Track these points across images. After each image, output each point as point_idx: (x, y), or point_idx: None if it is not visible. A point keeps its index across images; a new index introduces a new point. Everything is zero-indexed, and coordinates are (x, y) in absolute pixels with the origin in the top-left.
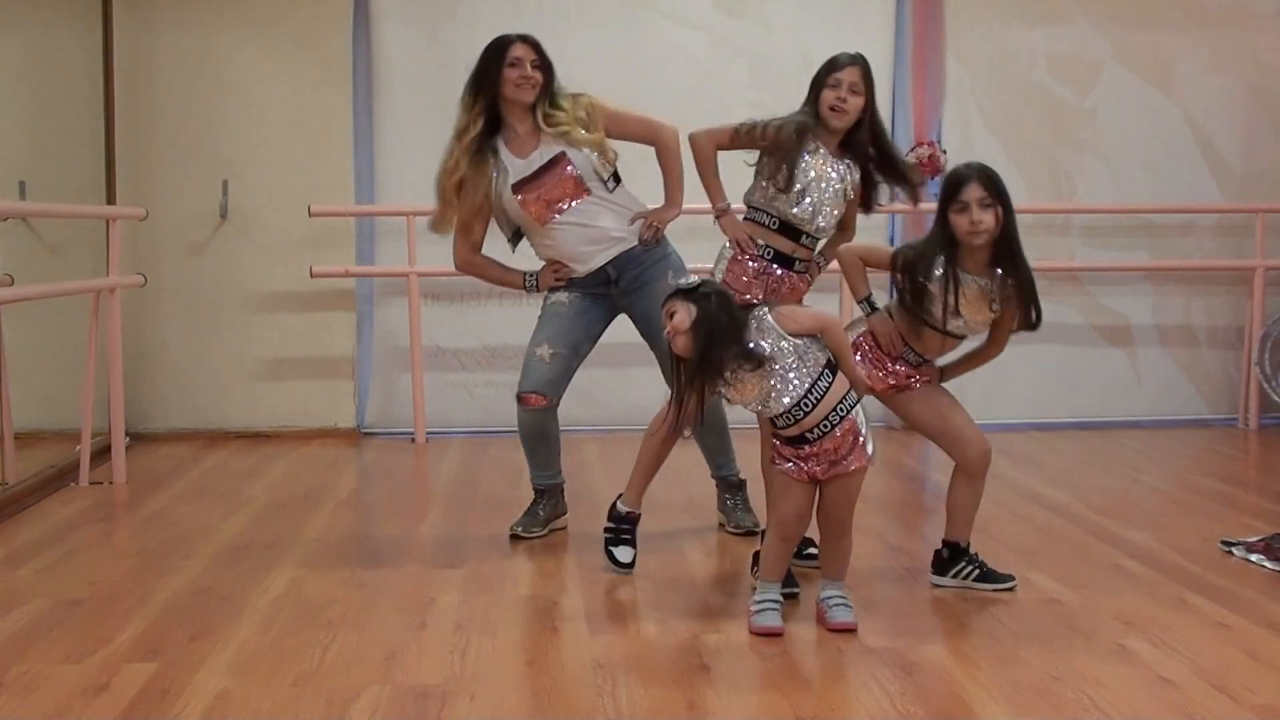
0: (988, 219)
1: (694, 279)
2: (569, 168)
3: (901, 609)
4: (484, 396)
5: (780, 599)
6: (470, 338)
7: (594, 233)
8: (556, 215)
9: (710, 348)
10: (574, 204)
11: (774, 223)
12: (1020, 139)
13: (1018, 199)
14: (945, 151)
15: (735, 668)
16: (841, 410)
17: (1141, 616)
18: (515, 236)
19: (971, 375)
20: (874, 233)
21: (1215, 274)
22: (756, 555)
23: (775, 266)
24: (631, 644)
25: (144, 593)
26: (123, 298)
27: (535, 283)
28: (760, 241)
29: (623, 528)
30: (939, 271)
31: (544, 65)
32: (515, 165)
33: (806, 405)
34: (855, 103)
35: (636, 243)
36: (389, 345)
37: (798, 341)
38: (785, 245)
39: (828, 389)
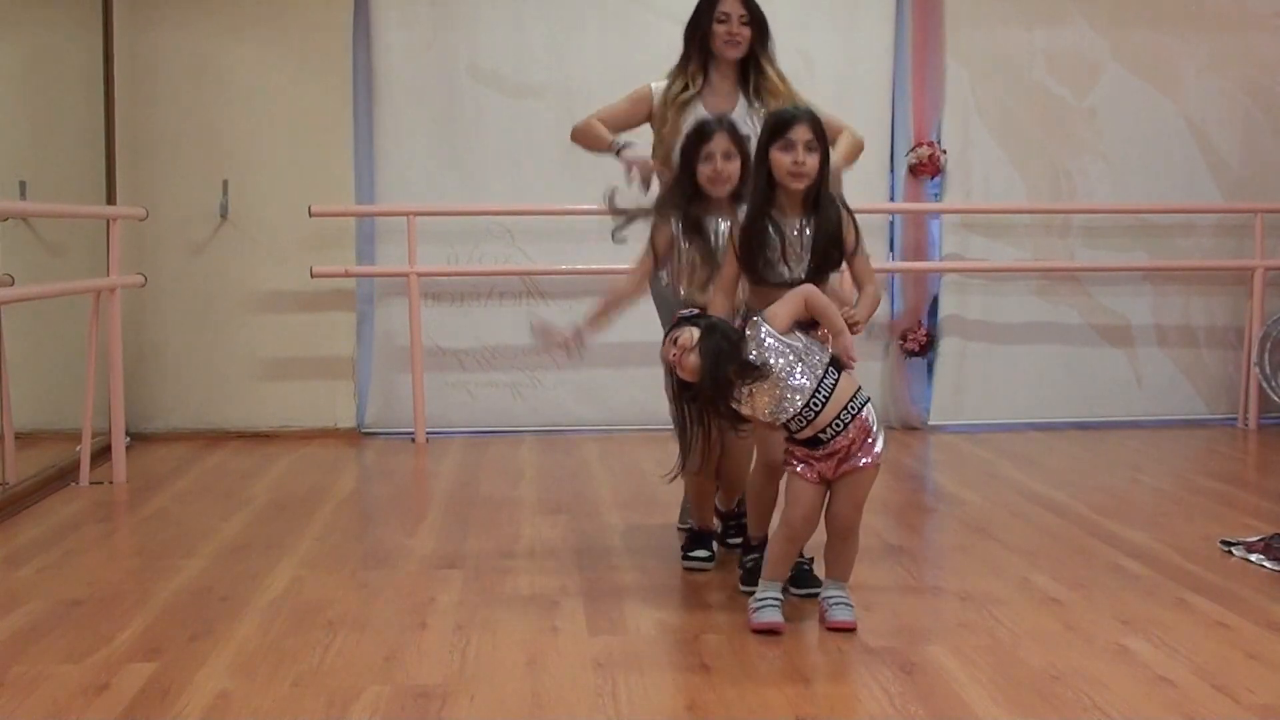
0: (812, 161)
1: (692, 310)
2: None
3: (901, 609)
4: (484, 396)
5: (780, 597)
6: (470, 338)
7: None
8: None
9: (718, 365)
10: None
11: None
12: (1020, 139)
13: (1018, 199)
14: (945, 151)
15: (735, 668)
16: (853, 408)
17: (1141, 616)
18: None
19: (971, 375)
20: (875, 232)
21: (1214, 274)
22: (743, 565)
23: None
24: (631, 644)
25: (144, 593)
26: (123, 298)
27: (621, 147)
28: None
29: (697, 536)
30: (759, 223)
31: (753, 20)
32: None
33: (816, 405)
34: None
35: None
36: (389, 345)
37: (796, 344)
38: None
39: (835, 385)
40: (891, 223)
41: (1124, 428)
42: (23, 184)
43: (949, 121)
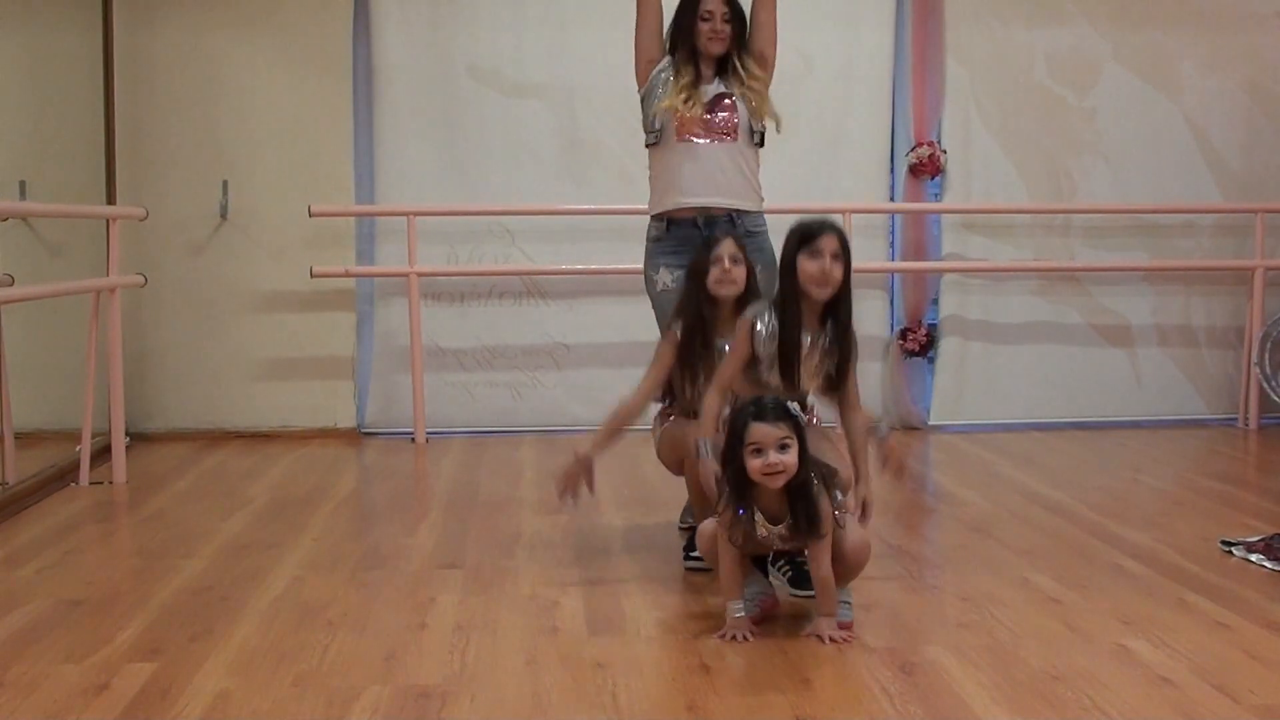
0: (837, 272)
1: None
2: (733, 113)
3: (901, 609)
4: (484, 396)
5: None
6: (470, 338)
7: (713, 174)
8: (692, 138)
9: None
10: (714, 142)
11: None
12: (1020, 139)
13: (1018, 199)
14: (945, 151)
15: (735, 668)
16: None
17: (1141, 616)
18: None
19: (971, 375)
20: (874, 233)
21: (1215, 274)
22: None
23: None
24: (631, 644)
25: (144, 593)
26: (123, 298)
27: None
28: None
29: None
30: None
31: (735, 17)
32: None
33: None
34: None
35: (743, 208)
36: (389, 345)
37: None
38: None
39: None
40: (892, 223)
41: (1124, 428)
42: (23, 184)
43: (949, 121)
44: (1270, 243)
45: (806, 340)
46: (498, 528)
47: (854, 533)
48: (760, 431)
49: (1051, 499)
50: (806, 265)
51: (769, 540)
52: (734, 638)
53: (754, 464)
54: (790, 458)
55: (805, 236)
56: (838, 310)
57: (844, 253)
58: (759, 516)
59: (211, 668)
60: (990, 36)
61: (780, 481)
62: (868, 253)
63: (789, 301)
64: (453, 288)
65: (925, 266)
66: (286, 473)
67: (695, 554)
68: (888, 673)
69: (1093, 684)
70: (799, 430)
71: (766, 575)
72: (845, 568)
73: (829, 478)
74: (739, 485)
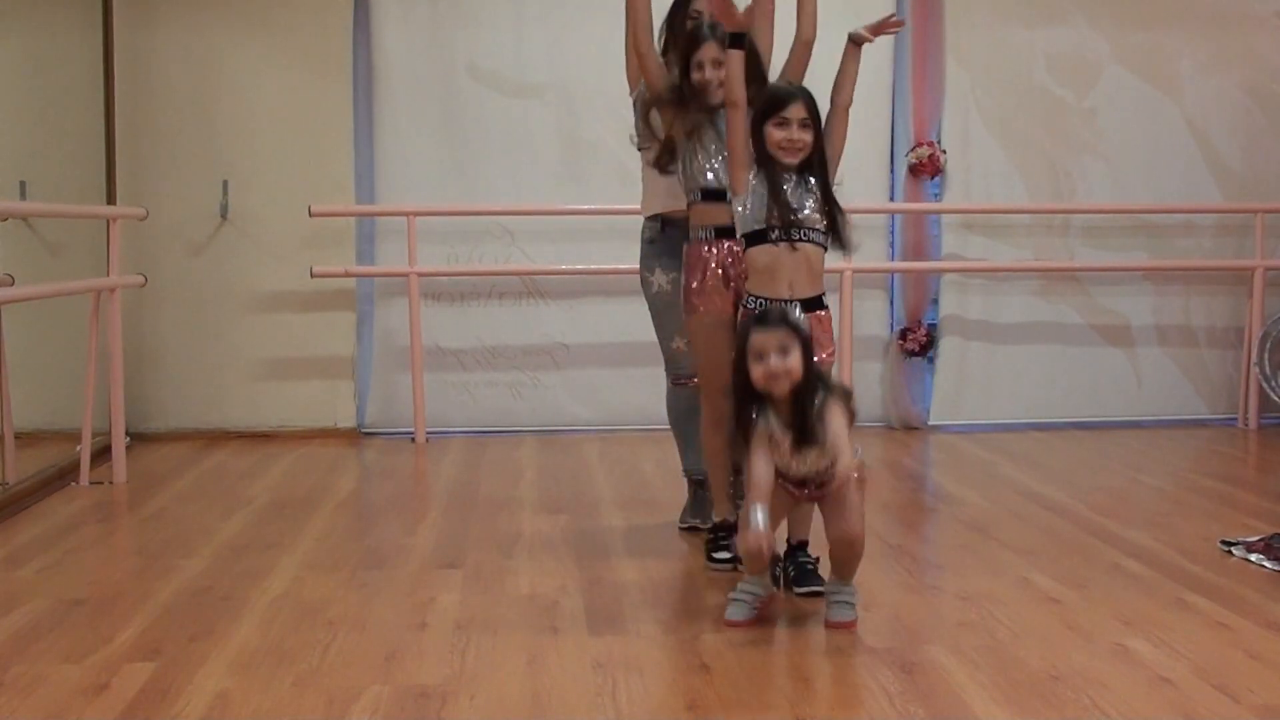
0: (805, 138)
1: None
2: None
3: (901, 609)
4: (484, 396)
5: (755, 592)
6: (470, 338)
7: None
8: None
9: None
10: None
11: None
12: (1020, 139)
13: (1018, 199)
14: (945, 151)
15: (735, 668)
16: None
17: (1141, 616)
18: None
19: (971, 375)
20: (874, 233)
21: (1215, 274)
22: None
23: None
24: (631, 644)
25: (144, 593)
26: (123, 298)
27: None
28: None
29: (719, 535)
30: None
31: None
32: None
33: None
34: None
35: None
36: (389, 345)
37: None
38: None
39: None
40: (891, 223)
41: (1124, 428)
42: (23, 184)
43: (949, 121)
44: (1270, 243)
45: (789, 182)
46: (498, 528)
47: (851, 522)
48: (759, 338)
49: (1051, 499)
50: (773, 133)
51: (788, 466)
52: (749, 548)
53: (756, 372)
54: (792, 362)
55: (773, 105)
56: (815, 164)
57: (813, 118)
58: (773, 420)
59: (211, 668)
60: (990, 36)
61: (783, 386)
62: (868, 253)
63: (764, 162)
64: (453, 288)
65: (925, 266)
66: (286, 473)
67: (718, 556)
68: (888, 673)
69: (1093, 684)
70: (800, 335)
71: (773, 574)
72: (837, 556)
73: (843, 396)
74: (750, 397)
